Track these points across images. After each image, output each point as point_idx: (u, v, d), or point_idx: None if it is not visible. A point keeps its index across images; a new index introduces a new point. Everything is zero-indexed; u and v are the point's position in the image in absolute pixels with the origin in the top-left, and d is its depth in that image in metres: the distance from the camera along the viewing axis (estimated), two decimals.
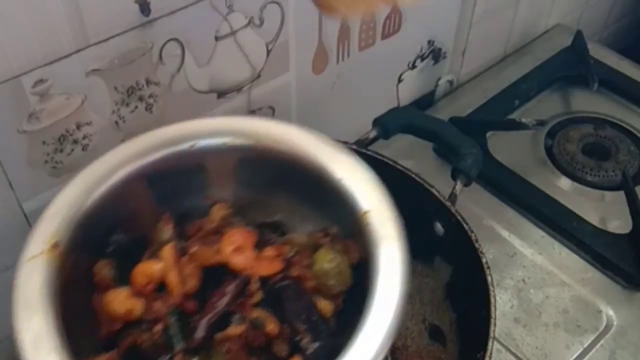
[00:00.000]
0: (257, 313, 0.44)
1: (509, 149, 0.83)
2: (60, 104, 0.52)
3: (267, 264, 0.46)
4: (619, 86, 0.92)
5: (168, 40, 0.56)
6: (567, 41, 0.97)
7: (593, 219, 0.75)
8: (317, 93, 0.74)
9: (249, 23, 0.60)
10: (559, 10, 1.01)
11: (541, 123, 0.77)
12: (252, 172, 0.50)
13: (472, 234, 0.55)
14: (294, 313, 0.44)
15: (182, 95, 0.60)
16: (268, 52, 0.64)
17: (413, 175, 0.60)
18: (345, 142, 0.62)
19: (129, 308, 0.44)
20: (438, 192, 0.58)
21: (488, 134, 0.83)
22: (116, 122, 0.57)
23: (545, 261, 0.72)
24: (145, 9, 0.52)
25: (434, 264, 0.62)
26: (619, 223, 0.75)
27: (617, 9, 1.16)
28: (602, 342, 0.66)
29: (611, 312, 0.68)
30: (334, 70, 0.73)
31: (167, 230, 0.48)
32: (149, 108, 0.58)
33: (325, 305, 0.46)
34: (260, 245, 0.47)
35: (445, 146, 0.65)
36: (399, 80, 0.84)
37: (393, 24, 0.75)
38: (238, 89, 0.65)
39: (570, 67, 0.93)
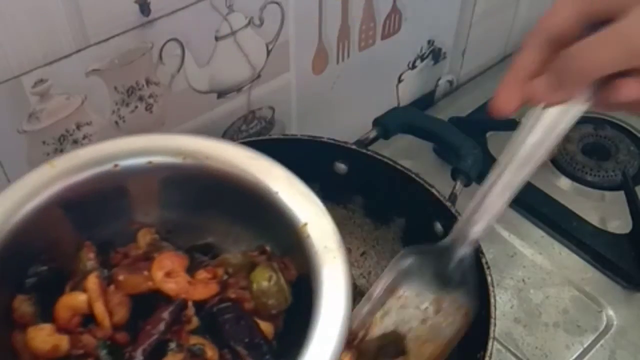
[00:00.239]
0: (195, 340, 0.42)
1: None
2: (60, 104, 0.52)
3: (201, 288, 0.44)
4: None
5: (168, 40, 0.56)
6: None
7: (593, 219, 0.75)
8: (317, 93, 0.74)
9: (249, 23, 0.60)
10: None
11: None
12: (179, 192, 0.47)
13: None
14: (234, 337, 0.42)
15: (182, 95, 0.60)
16: (268, 52, 0.64)
17: (413, 175, 0.60)
18: (345, 142, 0.62)
19: (55, 344, 0.41)
20: (438, 192, 0.58)
21: (488, 134, 0.83)
22: (116, 122, 0.57)
23: (545, 261, 0.72)
24: (145, 9, 0.52)
25: None
26: (619, 223, 0.75)
27: None
28: (602, 342, 0.66)
29: (611, 312, 0.68)
30: (334, 70, 0.73)
31: (89, 259, 0.45)
32: (149, 108, 0.58)
33: (266, 327, 0.44)
34: (192, 269, 0.45)
35: (445, 146, 0.65)
36: (399, 80, 0.84)
37: (393, 24, 0.75)
38: (238, 89, 0.65)
39: None
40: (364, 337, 0.53)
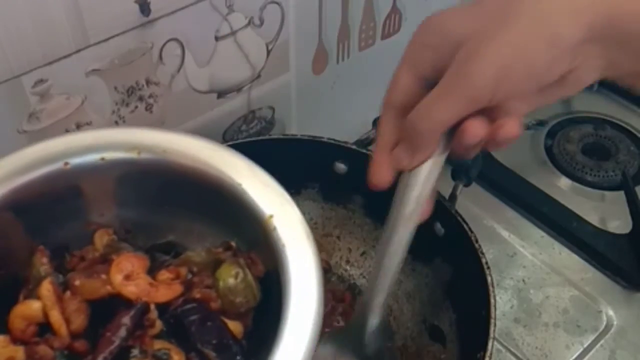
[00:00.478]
0: (159, 344, 0.40)
1: (509, 149, 0.82)
2: (60, 104, 0.52)
3: (164, 289, 0.41)
4: (619, 86, 0.92)
5: (168, 40, 0.56)
6: None
7: (593, 219, 0.75)
8: (317, 93, 0.74)
9: (249, 23, 0.60)
10: None
11: (541, 123, 0.77)
12: (137, 189, 0.45)
13: (472, 234, 0.55)
14: (202, 339, 0.40)
15: (182, 95, 0.60)
16: (268, 52, 0.64)
17: None
18: (345, 142, 0.62)
19: (10, 356, 0.38)
20: (438, 192, 0.58)
21: None
22: (116, 122, 0.57)
23: (545, 261, 0.72)
24: (145, 9, 0.52)
25: (434, 264, 0.62)
26: (619, 223, 0.75)
27: None
28: (602, 342, 0.66)
29: (611, 312, 0.68)
30: (334, 70, 0.73)
31: (43, 264, 0.42)
32: (149, 108, 0.58)
33: (235, 326, 0.42)
34: (154, 269, 0.43)
35: None
36: None
37: (393, 24, 0.75)
38: (238, 89, 0.65)
39: None
40: None
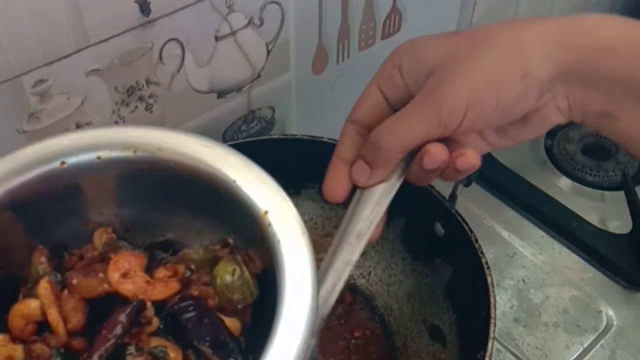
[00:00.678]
0: (156, 342, 0.40)
1: (509, 149, 0.83)
2: (61, 104, 0.52)
3: (161, 287, 0.42)
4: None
5: (168, 40, 0.56)
6: None
7: (593, 219, 0.75)
8: (317, 93, 0.74)
9: (249, 23, 0.60)
10: (558, 11, 1.01)
11: None
12: (134, 188, 0.45)
13: (472, 234, 0.55)
14: (198, 336, 0.40)
15: (182, 95, 0.60)
16: (268, 52, 0.64)
17: None
18: None
19: (9, 355, 0.39)
20: (438, 192, 0.58)
21: None
22: (116, 122, 0.57)
23: (545, 261, 0.72)
24: (145, 9, 0.52)
25: (434, 264, 0.62)
26: (619, 223, 0.75)
27: (617, 9, 1.16)
28: (602, 342, 0.66)
29: (611, 312, 0.68)
30: (334, 70, 0.73)
31: (41, 263, 0.43)
32: (149, 108, 0.58)
33: (232, 323, 0.42)
34: (152, 267, 0.43)
35: None
36: None
37: (393, 24, 0.75)
38: (238, 89, 0.65)
39: None
40: None
